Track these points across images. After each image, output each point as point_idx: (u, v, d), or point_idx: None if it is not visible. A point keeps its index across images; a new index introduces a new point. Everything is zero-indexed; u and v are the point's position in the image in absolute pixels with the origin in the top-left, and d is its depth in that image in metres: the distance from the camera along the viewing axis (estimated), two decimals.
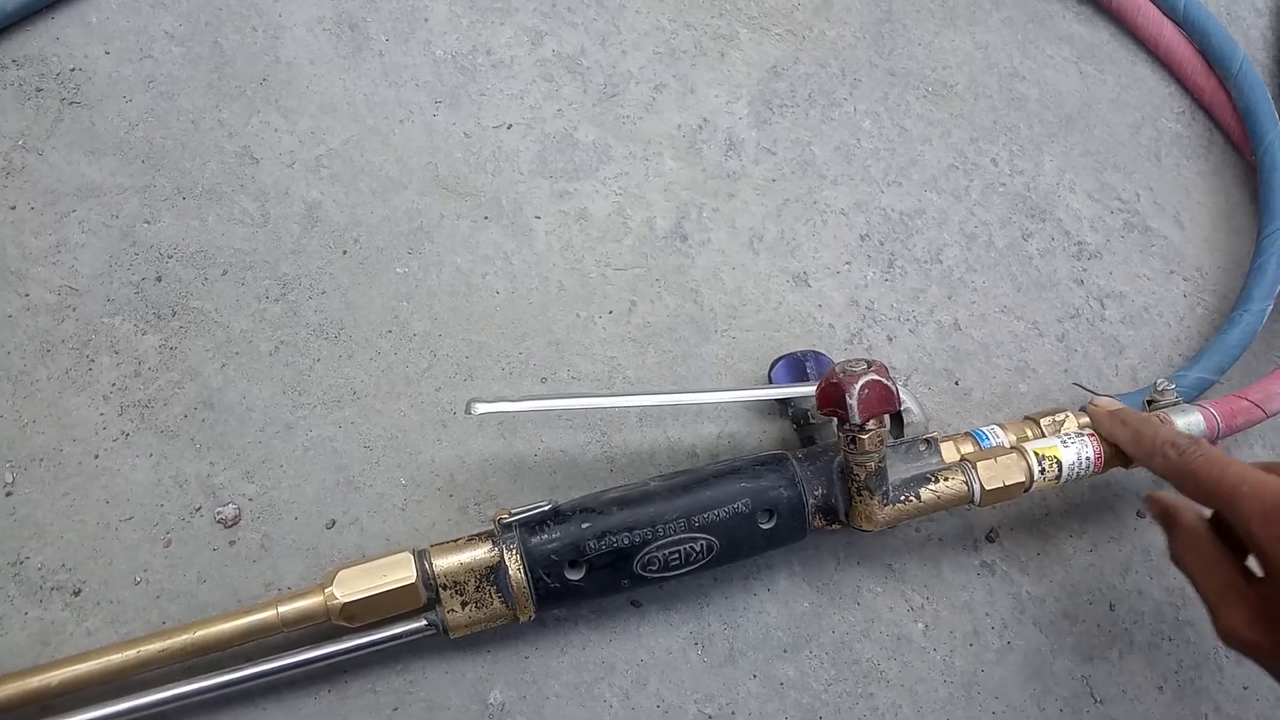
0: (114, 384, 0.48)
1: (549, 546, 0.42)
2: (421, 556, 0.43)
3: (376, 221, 0.53)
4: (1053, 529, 0.54)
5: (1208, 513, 0.43)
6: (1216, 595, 0.40)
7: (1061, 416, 0.50)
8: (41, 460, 0.47)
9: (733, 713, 0.48)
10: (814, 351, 0.52)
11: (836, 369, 0.42)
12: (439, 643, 0.46)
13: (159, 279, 0.50)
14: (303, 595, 0.42)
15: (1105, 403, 0.49)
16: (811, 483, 0.45)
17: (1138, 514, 0.55)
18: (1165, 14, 0.66)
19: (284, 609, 0.41)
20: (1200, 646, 0.53)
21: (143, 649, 0.41)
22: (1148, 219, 0.63)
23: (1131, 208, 0.63)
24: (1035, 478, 0.46)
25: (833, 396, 0.42)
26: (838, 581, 0.51)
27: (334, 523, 0.48)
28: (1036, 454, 0.46)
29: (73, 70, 0.53)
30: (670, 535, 0.43)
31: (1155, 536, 0.55)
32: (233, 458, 0.48)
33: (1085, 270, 0.61)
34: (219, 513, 0.47)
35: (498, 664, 0.47)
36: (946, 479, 0.46)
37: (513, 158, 0.56)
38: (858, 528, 0.45)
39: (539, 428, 0.51)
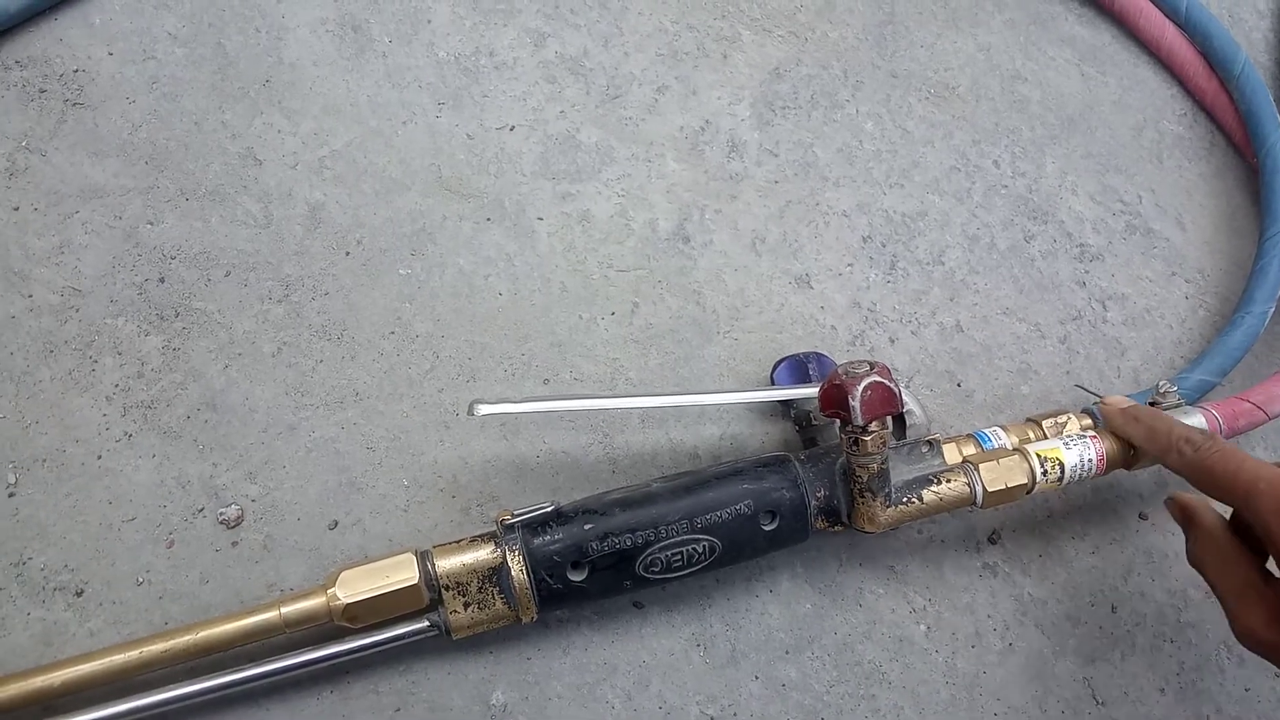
0: (117, 385, 0.48)
1: (551, 548, 0.42)
2: (424, 557, 0.43)
3: (379, 223, 0.54)
4: (1055, 531, 0.54)
5: (1227, 514, 0.43)
6: (1234, 595, 0.39)
7: (1064, 418, 0.50)
8: (44, 461, 0.47)
9: (735, 714, 0.48)
10: (816, 353, 0.52)
11: (839, 371, 0.42)
12: (441, 644, 0.46)
13: (162, 280, 0.50)
14: (305, 596, 0.42)
15: (1117, 400, 0.49)
16: (814, 484, 0.45)
17: (1140, 516, 0.55)
18: (1167, 16, 0.66)
19: (286, 610, 0.41)
20: (1202, 648, 0.53)
21: (145, 649, 0.41)
22: (1150, 221, 0.63)
23: (1133, 210, 0.63)
24: (1037, 479, 0.46)
25: (835, 398, 0.42)
26: (840, 583, 0.51)
27: (336, 523, 0.48)
28: (1039, 456, 0.46)
29: (76, 71, 0.53)
30: (673, 537, 0.43)
31: (1157, 539, 0.55)
32: (235, 459, 0.48)
33: (1087, 272, 0.61)
34: (221, 513, 0.47)
35: (500, 665, 0.47)
36: (949, 481, 0.46)
37: (515, 159, 0.56)
38: (860, 529, 0.46)
39: (541, 429, 0.51)
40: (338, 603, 0.41)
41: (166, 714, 0.41)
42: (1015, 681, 0.51)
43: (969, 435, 0.49)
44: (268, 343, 0.50)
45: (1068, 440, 0.47)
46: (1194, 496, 0.44)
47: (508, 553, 0.42)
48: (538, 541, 0.43)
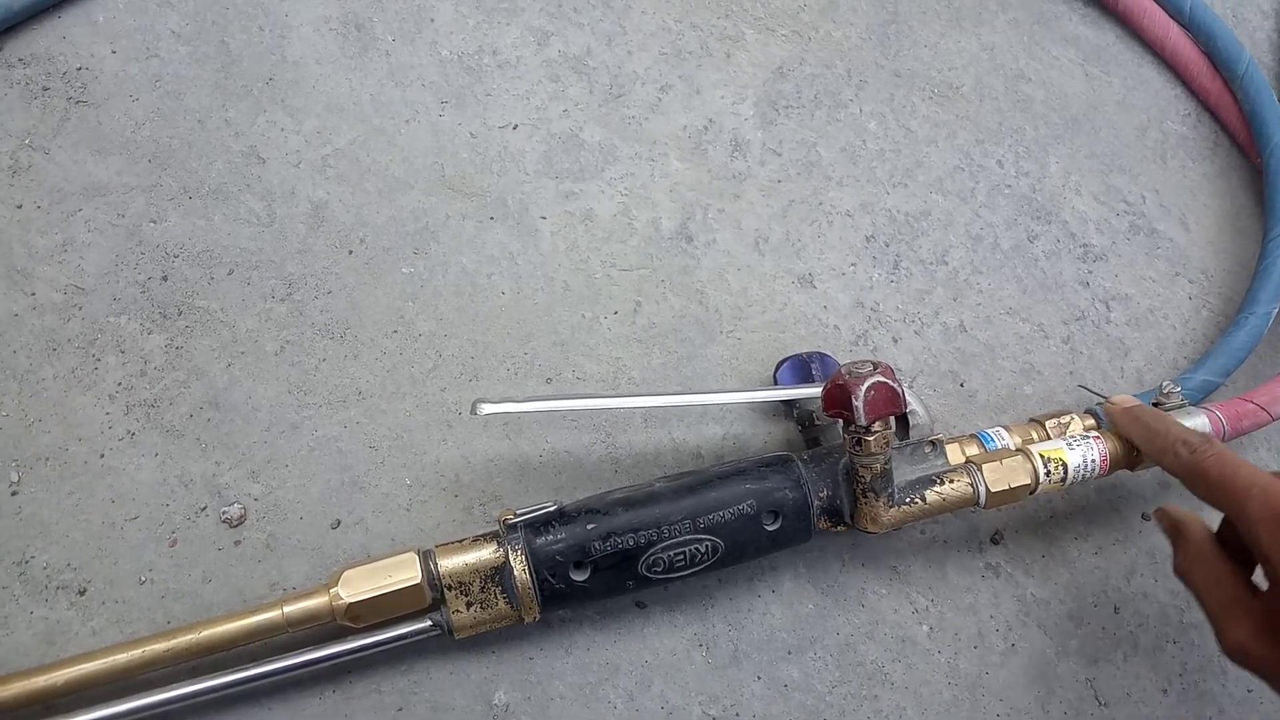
0: (120, 383, 0.48)
1: (554, 547, 0.42)
2: (426, 557, 0.43)
3: (382, 221, 0.53)
4: (1058, 531, 0.54)
5: (1215, 527, 0.43)
6: (1221, 609, 0.39)
7: (1067, 419, 0.50)
8: (47, 459, 0.47)
9: (737, 714, 0.48)
10: (819, 353, 0.52)
11: (842, 370, 0.42)
12: (444, 643, 0.46)
13: (165, 278, 0.50)
14: (308, 595, 0.42)
15: (1121, 399, 0.49)
16: (817, 484, 0.45)
17: (1143, 517, 0.55)
18: (1171, 16, 0.66)
19: (289, 609, 0.41)
20: (1205, 650, 0.53)
21: (148, 649, 0.41)
22: (1153, 221, 0.63)
23: (1137, 210, 0.63)
24: (1040, 480, 0.46)
25: (838, 398, 0.42)
26: (842, 583, 0.51)
27: (339, 523, 0.48)
28: (1042, 456, 0.46)
29: (79, 69, 0.53)
30: (675, 536, 0.43)
31: (1160, 540, 0.55)
32: (238, 457, 0.48)
33: (1091, 272, 0.61)
34: (224, 512, 0.47)
35: (502, 665, 0.47)
36: (952, 481, 0.46)
37: (518, 158, 0.56)
38: (863, 529, 0.45)
39: (544, 428, 0.51)
40: (340, 602, 0.41)
41: (169, 713, 0.41)
42: (1018, 682, 0.51)
43: (972, 435, 0.49)
44: (270, 341, 0.50)
45: (1071, 441, 0.47)
46: (1182, 509, 0.44)
47: (510, 552, 0.42)
48: (540, 541, 0.42)
